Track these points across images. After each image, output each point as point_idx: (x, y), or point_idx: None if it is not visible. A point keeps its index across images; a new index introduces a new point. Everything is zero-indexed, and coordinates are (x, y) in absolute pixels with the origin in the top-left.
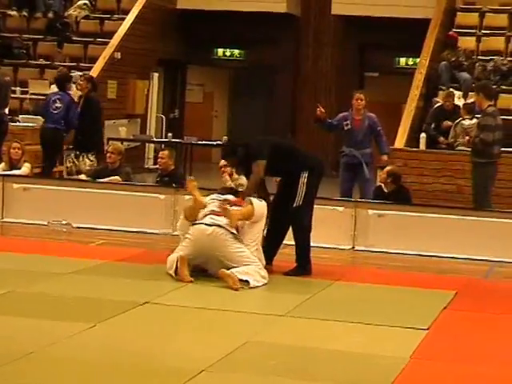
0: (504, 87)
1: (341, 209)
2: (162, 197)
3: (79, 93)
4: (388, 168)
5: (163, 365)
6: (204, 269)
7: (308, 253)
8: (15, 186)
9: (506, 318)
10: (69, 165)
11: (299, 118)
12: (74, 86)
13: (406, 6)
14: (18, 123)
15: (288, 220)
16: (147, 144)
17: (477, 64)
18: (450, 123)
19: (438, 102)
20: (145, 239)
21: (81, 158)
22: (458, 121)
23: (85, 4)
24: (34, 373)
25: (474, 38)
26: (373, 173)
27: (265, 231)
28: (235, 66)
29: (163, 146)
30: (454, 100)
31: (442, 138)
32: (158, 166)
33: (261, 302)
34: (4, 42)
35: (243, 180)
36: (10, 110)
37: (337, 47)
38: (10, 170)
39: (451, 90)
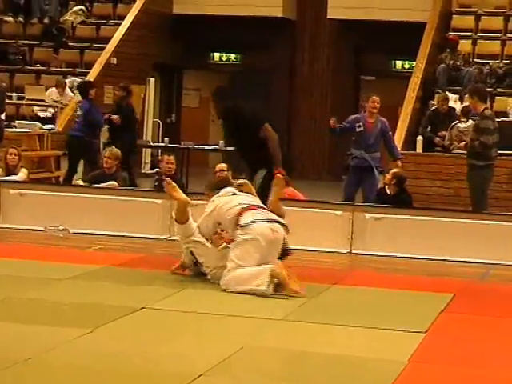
0: (500, 90)
1: (338, 212)
2: (159, 201)
3: (75, 98)
4: (394, 170)
5: (160, 370)
6: (204, 273)
7: None
8: (12, 191)
9: (503, 321)
10: None
11: (295, 122)
12: (69, 90)
13: (402, 9)
14: (14, 129)
15: None
16: (144, 149)
17: (473, 67)
18: (444, 133)
19: (435, 104)
20: (142, 244)
21: None
22: (453, 124)
23: (81, 9)
24: (31, 379)
25: (469, 41)
26: (379, 177)
27: None
28: (231, 70)
29: (160, 150)
30: (448, 103)
31: (437, 139)
32: (158, 170)
33: (258, 306)
34: (0, 48)
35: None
36: (6, 116)
37: (333, 51)
38: (7, 175)
39: (446, 93)
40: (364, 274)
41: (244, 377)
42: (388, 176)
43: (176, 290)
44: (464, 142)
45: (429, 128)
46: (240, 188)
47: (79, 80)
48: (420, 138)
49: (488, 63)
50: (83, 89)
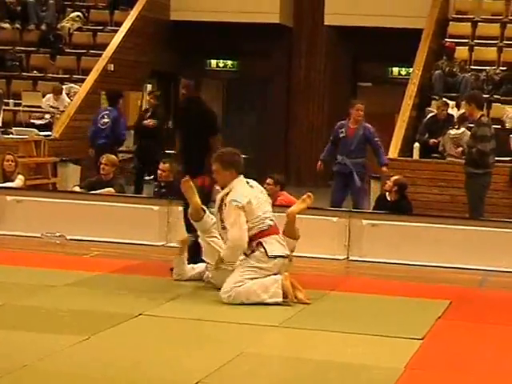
0: (497, 97)
1: (335, 219)
2: (156, 208)
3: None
4: (396, 177)
5: (157, 377)
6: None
7: None
8: (8, 198)
9: (500, 328)
10: None
11: (293, 129)
12: (66, 97)
13: (399, 16)
14: (11, 135)
15: None
16: None
17: (469, 74)
18: (439, 139)
19: (432, 111)
20: (139, 251)
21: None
22: (445, 130)
23: (78, 16)
24: None
25: (466, 48)
26: (365, 183)
27: None
28: (228, 77)
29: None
30: (447, 109)
31: (432, 140)
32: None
33: (255, 312)
34: None
35: None
36: (3, 122)
37: (330, 57)
38: (4, 182)
39: (444, 99)
40: (361, 280)
41: (241, 383)
42: (389, 183)
43: (173, 297)
44: (461, 148)
45: (426, 135)
46: None
47: (76, 86)
48: (417, 144)
49: (485, 70)
50: (113, 97)
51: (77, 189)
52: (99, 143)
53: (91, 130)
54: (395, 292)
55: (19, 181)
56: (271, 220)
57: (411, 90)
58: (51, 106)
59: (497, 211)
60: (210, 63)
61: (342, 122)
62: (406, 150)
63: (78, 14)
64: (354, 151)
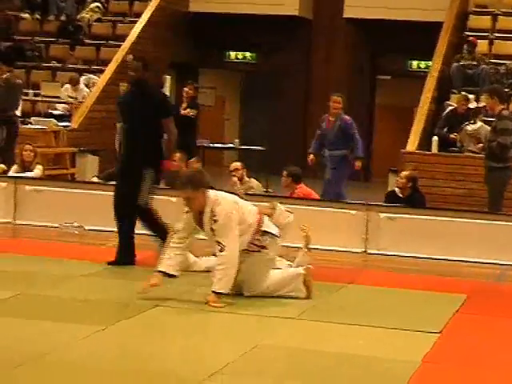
0: None
1: (353, 212)
2: (174, 200)
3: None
4: (406, 173)
5: (173, 368)
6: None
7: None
8: (27, 188)
9: None
10: None
11: (310, 122)
12: (85, 87)
13: (418, 9)
14: (30, 125)
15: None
16: None
17: (489, 67)
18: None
19: (451, 105)
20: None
21: None
22: (462, 126)
23: (97, 7)
24: (46, 375)
25: (486, 42)
26: (340, 175)
27: None
28: (247, 69)
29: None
30: (468, 104)
31: (452, 136)
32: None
33: (272, 305)
34: (16, 45)
35: (254, 183)
36: (22, 112)
37: (348, 50)
38: (23, 172)
39: (465, 93)
40: (378, 273)
41: (257, 375)
42: (402, 180)
43: (189, 288)
44: (481, 145)
45: (445, 129)
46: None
47: (95, 77)
48: (435, 138)
49: (504, 63)
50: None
51: (95, 179)
52: None
53: None
54: (412, 285)
55: (38, 171)
56: (253, 207)
57: (430, 83)
58: (70, 97)
59: None
60: (229, 55)
61: (326, 115)
62: (424, 143)
63: (98, 4)
64: (332, 143)
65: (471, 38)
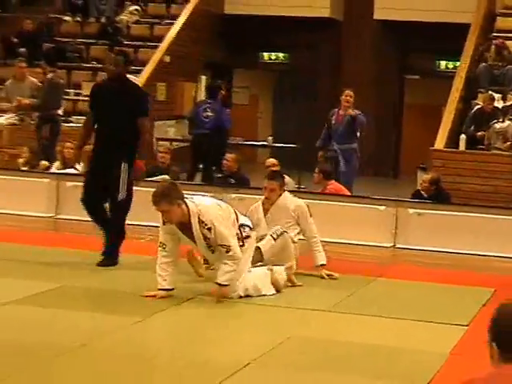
0: None
1: (382, 207)
2: (209, 195)
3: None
4: (429, 176)
5: (210, 358)
6: None
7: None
8: (68, 184)
9: None
10: None
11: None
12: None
13: (446, 10)
14: (71, 124)
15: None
16: None
17: None
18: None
19: (478, 104)
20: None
21: None
22: (491, 123)
23: (136, 9)
24: (86, 364)
25: None
26: (352, 167)
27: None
28: (279, 69)
29: None
30: (493, 103)
31: (480, 133)
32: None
33: (304, 297)
34: (58, 46)
35: (286, 179)
36: (63, 111)
37: (378, 51)
38: (64, 168)
39: (491, 92)
40: (407, 267)
41: (289, 366)
42: (425, 184)
43: None
44: (509, 143)
45: (472, 127)
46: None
47: (133, 77)
48: (463, 136)
49: None
50: (213, 90)
51: None
52: (200, 133)
53: (192, 121)
54: (440, 279)
55: (79, 167)
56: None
57: (458, 82)
58: None
59: None
60: (263, 56)
61: (335, 109)
62: (452, 141)
63: (136, 7)
64: (342, 137)
65: (498, 40)
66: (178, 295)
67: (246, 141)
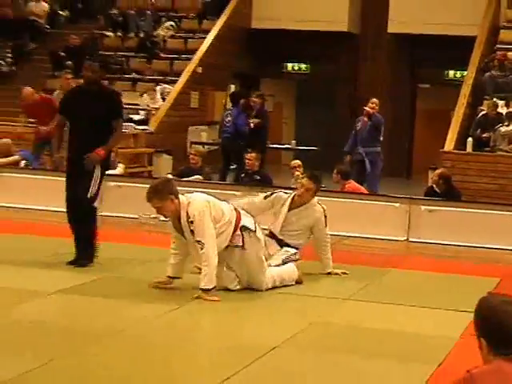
0: None
1: (397, 205)
2: (239, 193)
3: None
4: (439, 171)
5: (239, 343)
6: None
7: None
8: (110, 183)
9: None
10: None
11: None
12: (160, 96)
13: (454, 24)
14: None
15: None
16: None
17: None
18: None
19: (483, 110)
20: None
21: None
22: (497, 127)
23: (171, 25)
24: (122, 349)
25: None
26: (377, 169)
27: None
28: (302, 78)
29: None
30: (497, 109)
31: (485, 135)
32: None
33: (325, 286)
34: (102, 59)
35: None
36: None
37: (391, 62)
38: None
39: (495, 100)
40: (419, 259)
41: (313, 349)
42: (434, 177)
43: None
44: (510, 144)
45: (478, 131)
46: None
47: (169, 87)
48: (470, 139)
49: None
50: (234, 98)
51: (169, 176)
52: (224, 136)
53: (221, 125)
54: (450, 270)
55: (120, 168)
56: (232, 207)
57: (465, 90)
58: (147, 104)
59: None
60: (286, 66)
61: (361, 116)
62: (460, 143)
63: (172, 23)
64: (366, 140)
65: (500, 54)
66: None
67: (272, 144)
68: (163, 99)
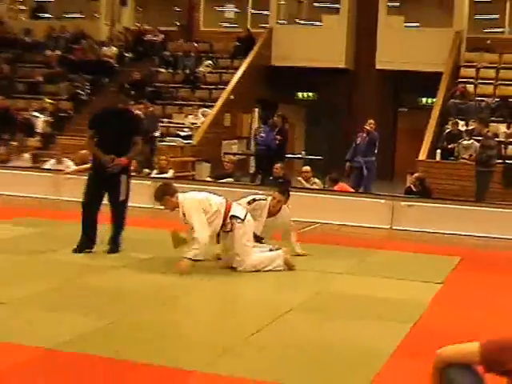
0: (493, 119)
1: (382, 201)
2: (261, 192)
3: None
4: (416, 175)
5: (257, 308)
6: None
7: None
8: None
9: (506, 278)
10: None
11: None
12: (202, 116)
13: (426, 63)
14: (165, 143)
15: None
16: (251, 157)
17: (474, 103)
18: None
19: (448, 128)
20: None
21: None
22: (460, 140)
23: (210, 63)
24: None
25: (472, 86)
26: (371, 175)
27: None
28: (310, 104)
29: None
30: (458, 127)
31: (450, 145)
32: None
33: (324, 263)
34: (156, 90)
35: (316, 181)
36: (160, 134)
37: (378, 91)
38: (160, 174)
39: (456, 120)
40: (400, 242)
41: (323, 313)
42: (412, 180)
43: None
44: (470, 155)
45: (445, 143)
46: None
47: (208, 110)
48: (439, 150)
49: (484, 100)
50: (265, 118)
51: (208, 179)
52: (258, 149)
53: (249, 141)
54: (423, 250)
55: (170, 173)
56: (224, 199)
57: (435, 113)
58: (192, 123)
59: (495, 197)
60: (297, 94)
61: (360, 133)
62: (431, 154)
63: (210, 62)
64: (364, 152)
65: (460, 86)
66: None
67: (287, 154)
68: (203, 119)
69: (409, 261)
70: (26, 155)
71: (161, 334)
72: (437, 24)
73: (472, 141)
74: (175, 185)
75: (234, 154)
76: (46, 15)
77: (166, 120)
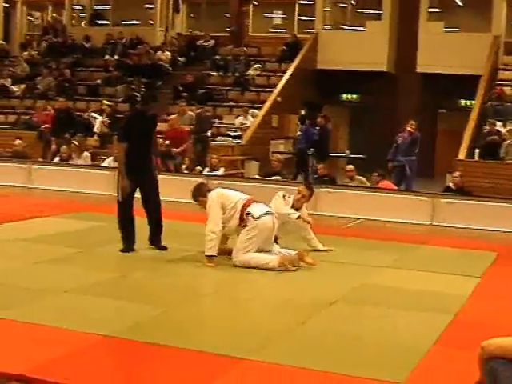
0: None
1: (424, 198)
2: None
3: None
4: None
5: (305, 299)
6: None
7: None
8: (214, 182)
9: None
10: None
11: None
12: (251, 117)
13: (465, 66)
14: (216, 142)
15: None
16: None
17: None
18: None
19: (486, 128)
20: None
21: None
22: (507, 142)
23: (258, 67)
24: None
25: (509, 88)
26: (413, 173)
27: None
28: (353, 105)
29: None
30: (495, 127)
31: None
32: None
33: (368, 257)
34: (208, 92)
35: (361, 179)
36: (211, 134)
37: (419, 93)
38: (212, 171)
39: (493, 121)
40: (441, 238)
41: (366, 305)
42: (456, 179)
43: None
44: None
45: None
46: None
47: (257, 111)
48: (477, 150)
49: None
50: (302, 119)
51: (257, 176)
52: (298, 148)
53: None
54: (462, 246)
55: (221, 171)
56: (246, 196)
57: (473, 115)
58: (241, 123)
59: None
60: (342, 96)
61: (401, 133)
62: (469, 153)
63: (259, 65)
64: (406, 151)
65: (498, 89)
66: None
67: (332, 153)
68: (252, 120)
69: (448, 256)
70: (86, 154)
71: (209, 322)
72: (475, 29)
73: (509, 142)
74: (226, 182)
75: (282, 153)
76: (105, 22)
77: (217, 121)
